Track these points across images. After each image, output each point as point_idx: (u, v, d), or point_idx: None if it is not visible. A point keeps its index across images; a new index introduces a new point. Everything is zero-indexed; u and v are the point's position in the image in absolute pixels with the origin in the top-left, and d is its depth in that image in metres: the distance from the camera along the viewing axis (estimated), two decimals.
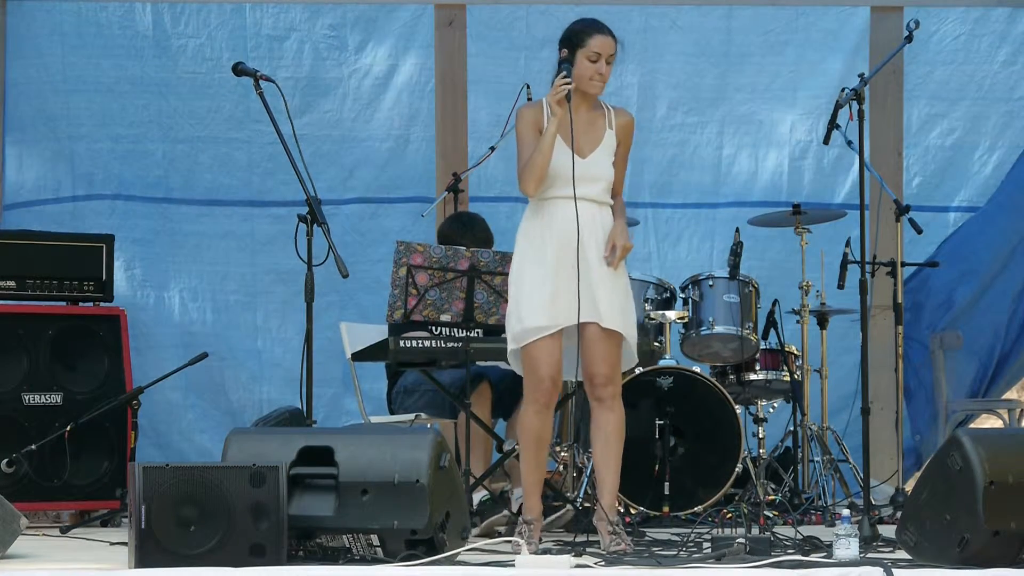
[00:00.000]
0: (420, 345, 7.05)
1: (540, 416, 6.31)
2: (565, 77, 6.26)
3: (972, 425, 9.33)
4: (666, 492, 7.69)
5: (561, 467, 8.18)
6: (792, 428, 8.32)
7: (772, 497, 7.89)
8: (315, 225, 6.55)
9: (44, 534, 7.18)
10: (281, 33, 9.47)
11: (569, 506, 7.02)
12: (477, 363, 7.31)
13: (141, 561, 5.39)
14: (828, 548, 5.82)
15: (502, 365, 7.45)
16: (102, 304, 8.05)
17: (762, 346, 8.26)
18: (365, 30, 9.52)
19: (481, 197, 9.42)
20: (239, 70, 6.87)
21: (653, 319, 8.08)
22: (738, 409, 7.91)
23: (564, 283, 6.24)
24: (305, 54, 9.49)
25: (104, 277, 8.04)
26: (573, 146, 6.28)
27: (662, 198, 9.62)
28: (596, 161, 6.36)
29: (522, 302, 6.30)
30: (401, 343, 7.04)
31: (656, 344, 7.90)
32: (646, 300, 8.10)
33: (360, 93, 9.52)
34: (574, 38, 6.35)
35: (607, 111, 6.46)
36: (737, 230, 8.22)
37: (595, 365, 6.28)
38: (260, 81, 6.77)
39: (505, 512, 6.91)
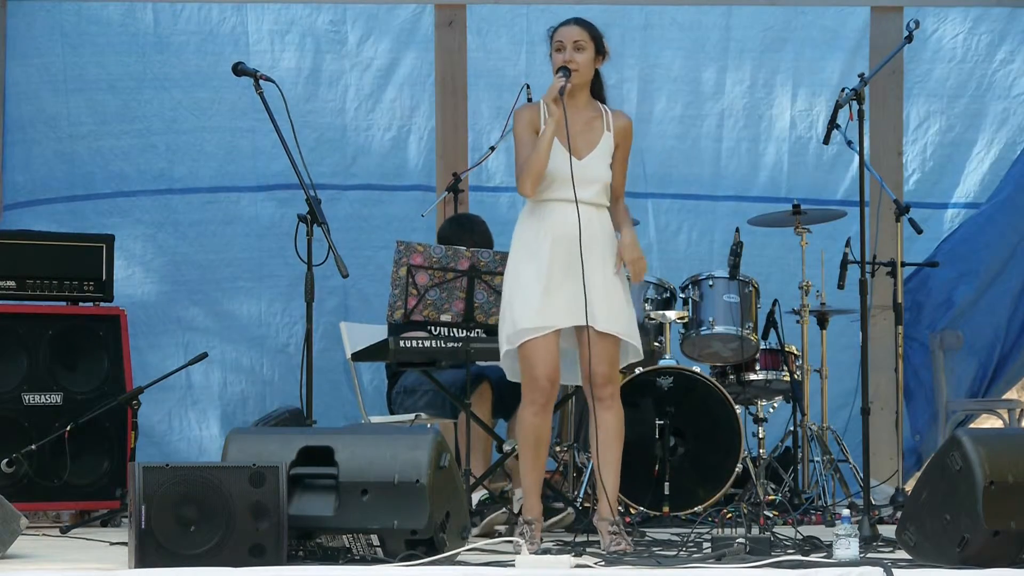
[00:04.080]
0: (420, 345, 7.05)
1: (539, 416, 6.30)
2: (560, 73, 6.27)
3: (972, 425, 9.34)
4: (666, 492, 7.69)
5: (561, 467, 8.19)
6: (792, 428, 8.32)
7: (772, 497, 7.89)
8: (315, 225, 6.56)
9: (44, 534, 7.18)
10: (283, 28, 9.49)
11: (570, 508, 7.01)
12: (477, 363, 7.31)
13: (141, 561, 5.39)
14: (828, 548, 5.82)
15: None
16: (102, 304, 8.04)
17: (762, 346, 8.26)
18: (366, 25, 9.55)
19: (482, 187, 9.44)
20: (239, 70, 6.88)
21: (653, 319, 8.08)
22: (738, 409, 7.91)
23: (559, 285, 6.23)
24: (306, 48, 9.52)
25: (104, 277, 8.03)
26: (570, 148, 6.27)
27: (662, 188, 9.64)
28: (593, 163, 6.35)
29: (516, 303, 6.29)
30: (401, 343, 7.04)
31: (656, 344, 7.90)
32: (646, 300, 8.10)
33: (362, 85, 9.56)
34: (549, 45, 6.40)
35: (605, 113, 6.44)
36: (737, 230, 8.22)
37: (594, 365, 6.27)
38: (260, 81, 6.76)
39: (504, 510, 6.91)
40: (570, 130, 6.27)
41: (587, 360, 6.27)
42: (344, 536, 5.62)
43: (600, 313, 6.25)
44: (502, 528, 6.84)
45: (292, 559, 5.56)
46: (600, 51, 6.39)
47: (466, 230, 7.90)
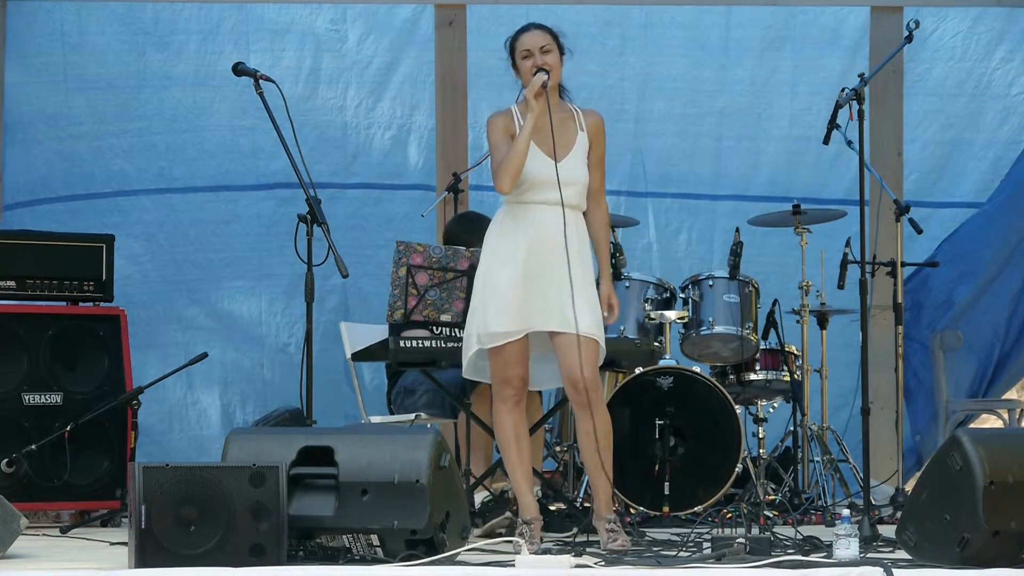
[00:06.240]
0: (420, 345, 7.05)
1: (513, 413, 6.33)
2: (540, 72, 6.26)
3: (972, 425, 9.34)
4: (666, 492, 7.69)
5: (561, 467, 8.18)
6: (792, 428, 8.32)
7: (772, 497, 7.89)
8: (315, 224, 6.56)
9: (44, 534, 7.18)
10: (283, 27, 9.50)
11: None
12: None
13: (141, 561, 5.39)
14: (828, 548, 5.82)
15: None
16: (102, 304, 8.04)
17: (762, 346, 8.26)
18: (366, 25, 9.56)
19: (482, 187, 9.45)
20: (239, 70, 6.87)
21: (653, 319, 8.07)
22: (738, 409, 7.91)
23: (535, 288, 6.22)
24: (306, 48, 9.52)
25: (104, 277, 8.03)
26: (555, 148, 6.25)
27: (662, 188, 9.65)
28: (570, 165, 6.33)
29: (489, 305, 6.28)
30: (401, 343, 7.04)
31: (656, 344, 7.90)
32: (646, 300, 8.10)
33: (362, 84, 9.56)
34: (510, 54, 6.40)
35: (576, 113, 6.45)
36: (737, 230, 8.22)
37: (577, 371, 6.23)
38: (260, 81, 6.76)
39: (507, 515, 6.90)
40: (546, 133, 6.27)
41: (569, 367, 6.25)
42: (344, 536, 5.62)
43: (583, 317, 6.23)
44: (503, 529, 6.84)
45: (292, 559, 5.56)
46: (562, 52, 6.40)
47: (474, 228, 7.89)
